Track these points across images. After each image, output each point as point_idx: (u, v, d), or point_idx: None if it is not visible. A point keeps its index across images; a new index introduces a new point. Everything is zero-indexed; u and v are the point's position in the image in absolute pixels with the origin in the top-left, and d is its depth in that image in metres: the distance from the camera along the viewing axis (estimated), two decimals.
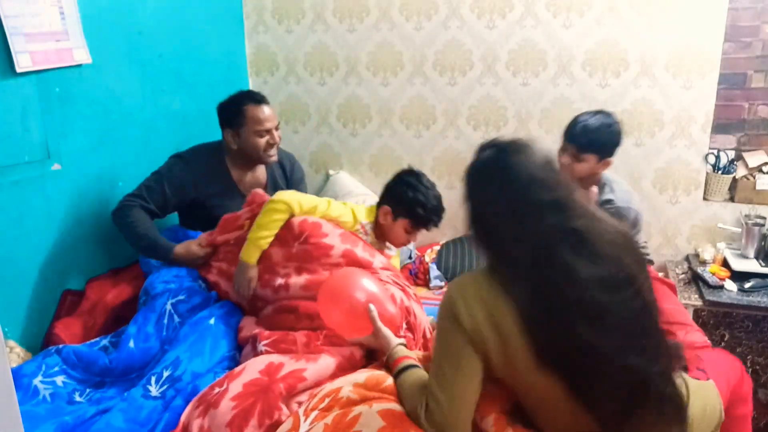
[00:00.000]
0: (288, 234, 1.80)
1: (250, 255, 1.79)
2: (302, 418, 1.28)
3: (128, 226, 1.99)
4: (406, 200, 1.90)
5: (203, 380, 1.54)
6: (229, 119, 2.13)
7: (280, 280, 1.75)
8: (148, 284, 1.88)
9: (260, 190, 1.98)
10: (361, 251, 1.80)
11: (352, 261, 1.76)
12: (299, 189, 2.40)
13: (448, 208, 2.86)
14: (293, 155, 2.46)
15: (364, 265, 1.77)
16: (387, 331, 1.46)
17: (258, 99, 2.11)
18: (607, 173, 2.15)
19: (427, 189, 1.93)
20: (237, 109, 2.10)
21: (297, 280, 1.74)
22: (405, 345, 1.46)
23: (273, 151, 2.15)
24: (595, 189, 2.10)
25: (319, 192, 2.97)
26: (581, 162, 2.04)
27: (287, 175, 2.38)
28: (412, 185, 1.91)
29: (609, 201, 2.07)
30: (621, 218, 1.99)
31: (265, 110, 2.11)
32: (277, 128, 2.15)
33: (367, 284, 1.55)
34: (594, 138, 2.02)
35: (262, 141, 2.10)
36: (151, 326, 1.74)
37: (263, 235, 1.79)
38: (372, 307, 1.47)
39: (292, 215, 1.81)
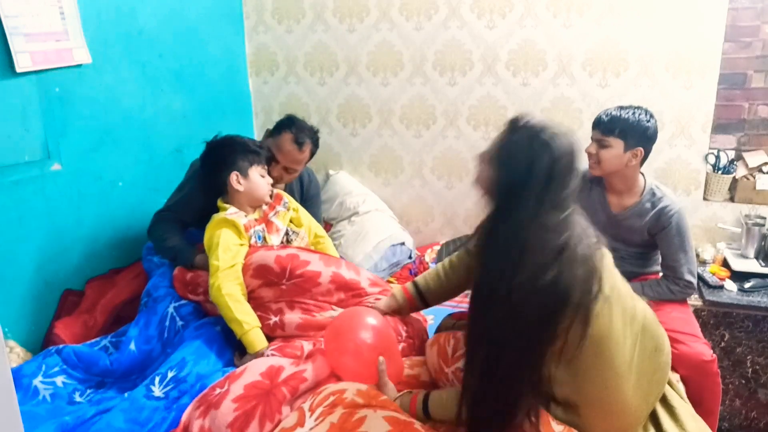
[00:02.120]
0: (270, 275, 1.73)
1: (257, 341, 1.67)
2: (307, 414, 1.29)
3: (158, 240, 1.98)
4: (236, 156, 1.85)
5: (211, 380, 1.54)
6: (276, 125, 2.15)
7: (274, 318, 1.71)
8: (151, 286, 1.88)
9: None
10: (347, 272, 1.78)
11: (341, 285, 1.75)
12: (314, 203, 2.39)
13: (449, 208, 2.89)
14: (312, 169, 2.44)
15: (352, 286, 1.76)
16: (391, 387, 1.43)
17: (299, 139, 2.07)
18: (652, 181, 2.06)
19: (238, 136, 1.91)
20: (283, 126, 2.11)
21: (291, 317, 1.70)
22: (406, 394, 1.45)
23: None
24: None
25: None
26: (606, 148, 1.93)
27: (303, 189, 2.37)
28: (226, 146, 1.89)
29: (667, 207, 1.95)
30: (682, 223, 1.96)
31: (293, 150, 2.08)
32: (287, 171, 2.12)
33: (372, 327, 1.49)
34: (618, 119, 1.91)
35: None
36: (152, 329, 1.74)
37: (245, 316, 1.68)
38: (382, 360, 1.43)
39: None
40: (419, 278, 1.70)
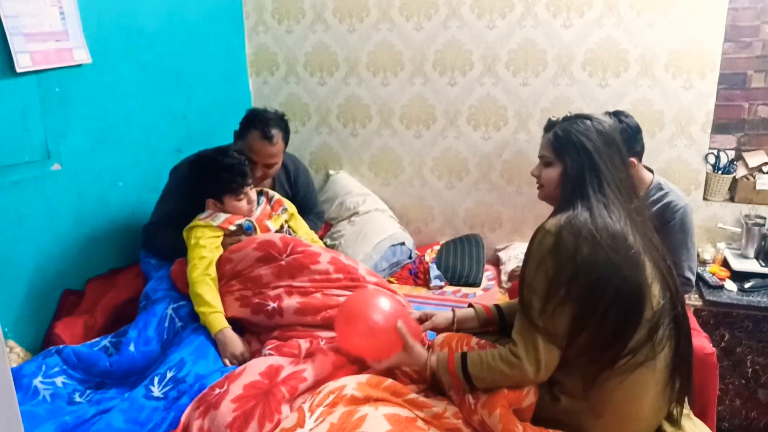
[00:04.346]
0: (273, 250, 1.78)
1: (214, 323, 1.71)
2: (307, 414, 1.29)
3: (154, 244, 2.03)
4: (210, 184, 1.89)
5: (210, 380, 1.53)
6: (240, 126, 2.10)
7: (272, 304, 1.72)
8: (149, 289, 1.88)
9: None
10: (345, 260, 1.83)
11: (339, 268, 1.78)
12: (308, 193, 2.39)
13: (449, 208, 2.89)
14: (297, 157, 2.44)
15: (350, 270, 1.79)
16: (419, 346, 1.46)
17: (267, 134, 2.00)
18: (659, 177, 2.08)
19: (213, 160, 1.90)
20: (247, 125, 2.06)
21: (289, 303, 1.71)
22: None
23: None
24: None
25: (318, 192, 2.97)
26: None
27: (291, 179, 2.35)
28: (200, 173, 1.91)
29: (673, 202, 1.98)
30: (687, 220, 1.98)
31: (263, 146, 2.02)
32: (268, 166, 2.07)
33: (383, 303, 1.52)
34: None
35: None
36: (152, 330, 1.74)
37: (203, 307, 1.73)
38: (401, 323, 1.45)
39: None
40: (503, 303, 1.70)
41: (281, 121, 2.08)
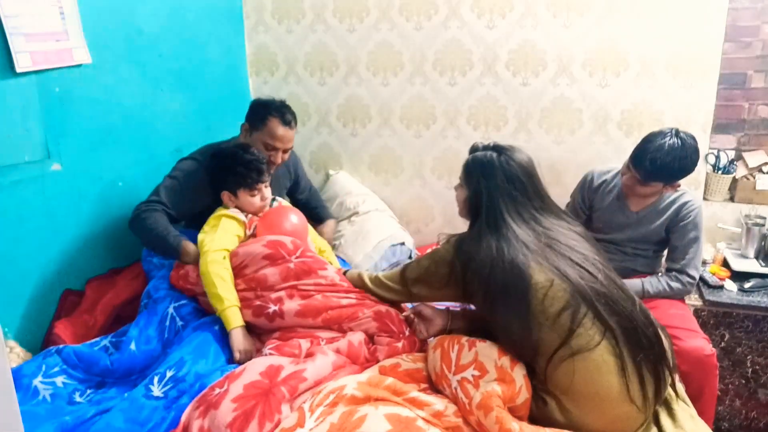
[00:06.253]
0: (283, 249, 1.78)
1: (234, 318, 1.70)
2: (307, 414, 1.29)
3: (142, 224, 1.95)
4: (226, 177, 1.94)
5: (209, 379, 1.53)
6: (252, 117, 2.14)
7: (273, 307, 1.71)
8: (151, 288, 1.88)
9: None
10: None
11: (344, 279, 1.80)
12: (311, 189, 2.48)
13: (449, 208, 2.89)
14: (294, 152, 2.46)
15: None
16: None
17: (286, 120, 2.10)
18: None
19: (232, 154, 1.95)
20: (263, 114, 2.11)
21: (290, 305, 1.70)
22: None
23: (271, 168, 2.12)
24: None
25: (318, 192, 2.96)
26: (645, 186, 1.97)
27: (290, 172, 2.40)
28: (219, 165, 1.96)
29: (689, 201, 2.02)
30: (700, 219, 2.03)
31: (286, 131, 2.10)
32: (285, 152, 2.15)
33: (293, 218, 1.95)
34: (663, 172, 1.91)
35: (266, 154, 2.09)
36: (153, 329, 1.74)
37: (227, 293, 1.73)
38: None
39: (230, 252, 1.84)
40: None
41: (289, 107, 2.18)
